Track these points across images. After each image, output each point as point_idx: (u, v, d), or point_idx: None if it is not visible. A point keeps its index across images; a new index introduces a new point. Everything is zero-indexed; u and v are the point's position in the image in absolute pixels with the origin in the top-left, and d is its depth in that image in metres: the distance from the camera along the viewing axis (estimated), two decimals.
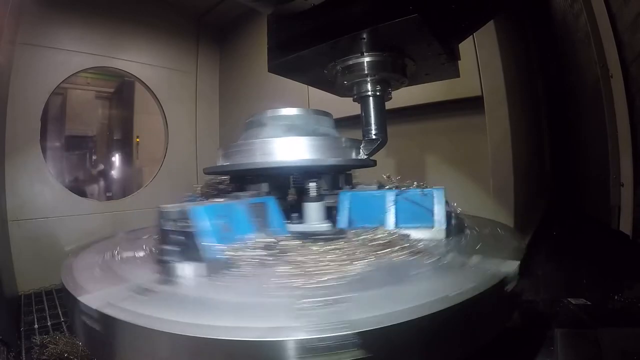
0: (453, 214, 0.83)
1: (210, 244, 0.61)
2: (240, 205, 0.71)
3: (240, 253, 0.63)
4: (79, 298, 0.55)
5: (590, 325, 1.05)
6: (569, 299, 1.19)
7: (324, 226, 0.82)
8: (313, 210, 0.83)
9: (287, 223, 0.82)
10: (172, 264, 0.61)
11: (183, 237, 0.61)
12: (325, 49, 0.92)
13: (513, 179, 1.69)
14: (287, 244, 0.69)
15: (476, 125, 1.79)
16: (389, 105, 1.02)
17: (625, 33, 1.41)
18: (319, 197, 0.85)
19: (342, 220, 0.82)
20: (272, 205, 0.78)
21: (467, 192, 1.79)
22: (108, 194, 3.21)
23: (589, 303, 1.18)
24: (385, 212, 0.79)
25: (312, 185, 0.84)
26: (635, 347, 0.93)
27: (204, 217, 0.63)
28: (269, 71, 1.06)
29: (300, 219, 0.85)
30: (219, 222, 0.64)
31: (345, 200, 0.83)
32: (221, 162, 0.92)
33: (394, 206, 0.79)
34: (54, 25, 2.45)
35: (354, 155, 0.92)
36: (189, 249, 0.61)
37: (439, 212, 0.77)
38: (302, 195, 0.88)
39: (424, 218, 0.78)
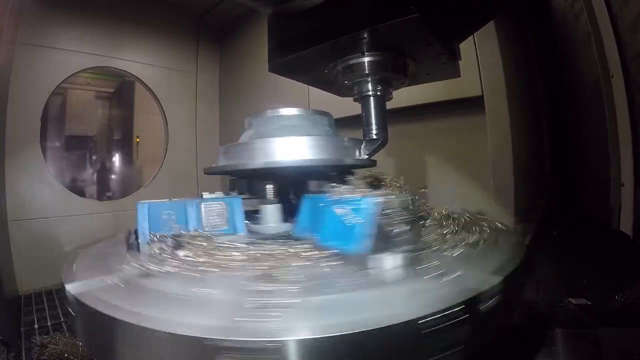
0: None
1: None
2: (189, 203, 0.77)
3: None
4: None
5: (590, 325, 1.05)
6: (569, 299, 1.19)
7: (282, 227, 0.83)
8: (270, 213, 0.85)
9: (249, 224, 0.83)
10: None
11: None
12: (325, 49, 0.92)
13: (513, 179, 1.69)
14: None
15: (476, 125, 1.79)
16: (389, 105, 1.02)
17: (625, 33, 1.41)
18: (276, 199, 0.85)
19: (300, 225, 0.80)
20: (235, 205, 0.80)
21: (467, 192, 1.79)
22: (108, 194, 3.21)
23: (589, 303, 1.18)
24: (320, 222, 0.70)
25: (268, 187, 0.84)
26: (635, 347, 0.93)
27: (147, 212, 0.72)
28: (269, 71, 1.06)
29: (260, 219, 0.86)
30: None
31: (303, 204, 0.81)
32: (220, 162, 0.92)
33: (325, 217, 0.68)
34: (54, 25, 2.45)
35: (354, 155, 0.92)
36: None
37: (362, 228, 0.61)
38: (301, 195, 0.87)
39: (346, 236, 0.63)
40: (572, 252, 1.62)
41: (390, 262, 0.61)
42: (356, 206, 0.62)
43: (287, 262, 0.63)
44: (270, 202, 0.84)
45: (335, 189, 0.77)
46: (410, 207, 0.66)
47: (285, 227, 0.83)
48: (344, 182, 0.96)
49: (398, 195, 0.65)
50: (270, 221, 0.84)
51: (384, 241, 0.61)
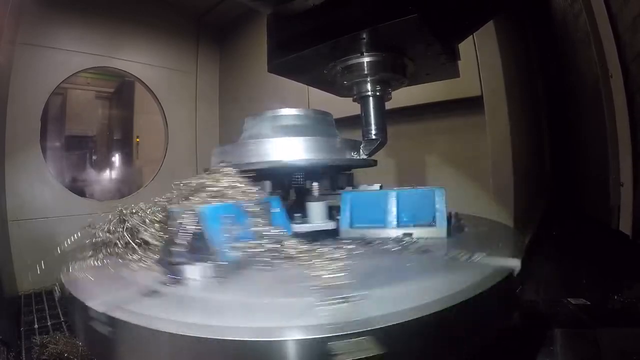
0: (452, 213, 0.84)
1: (220, 245, 0.61)
2: (247, 205, 0.71)
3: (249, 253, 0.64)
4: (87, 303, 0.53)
5: (590, 325, 1.05)
6: (569, 299, 1.19)
7: (329, 225, 0.83)
8: (316, 210, 0.84)
9: (291, 223, 0.81)
10: (181, 266, 0.60)
11: (193, 238, 0.60)
12: (325, 49, 0.92)
13: (513, 179, 1.69)
14: (294, 246, 0.68)
15: (476, 125, 1.79)
16: (389, 105, 1.02)
17: (625, 33, 1.42)
18: (322, 197, 0.85)
19: (345, 220, 0.82)
20: (276, 205, 0.78)
21: (467, 192, 1.79)
22: (108, 194, 3.21)
23: (588, 303, 1.18)
24: (386, 212, 0.79)
25: (314, 185, 0.85)
26: (635, 347, 0.93)
27: (213, 217, 0.62)
28: (268, 71, 1.06)
29: (303, 218, 0.85)
30: (227, 222, 0.64)
31: (347, 200, 0.83)
32: (217, 162, 0.91)
33: (395, 206, 0.79)
34: (54, 25, 2.45)
35: (354, 155, 0.92)
36: (200, 249, 0.60)
37: (440, 211, 0.77)
38: (302, 195, 0.87)
39: (426, 217, 0.78)
40: (571, 252, 1.62)
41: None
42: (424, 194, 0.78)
43: None
44: (315, 200, 0.84)
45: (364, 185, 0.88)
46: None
47: (331, 224, 0.83)
48: (348, 180, 0.98)
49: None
50: (317, 218, 0.84)
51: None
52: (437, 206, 0.78)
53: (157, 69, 2.96)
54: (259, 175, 0.89)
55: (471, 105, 1.79)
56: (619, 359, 0.93)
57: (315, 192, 0.85)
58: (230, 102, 3.21)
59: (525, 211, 1.81)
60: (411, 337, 0.44)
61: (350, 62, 0.95)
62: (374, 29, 0.83)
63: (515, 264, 0.60)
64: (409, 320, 0.43)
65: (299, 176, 0.90)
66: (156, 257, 0.67)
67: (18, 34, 2.26)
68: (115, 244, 0.75)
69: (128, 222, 0.75)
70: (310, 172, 0.89)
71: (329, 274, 0.56)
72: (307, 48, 0.92)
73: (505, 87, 1.70)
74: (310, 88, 1.25)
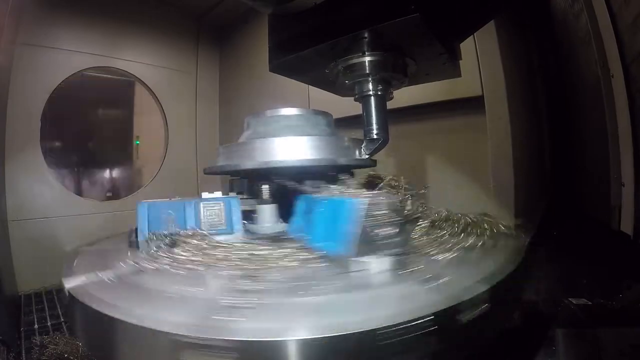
0: None
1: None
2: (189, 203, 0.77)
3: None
4: None
5: (590, 325, 1.05)
6: (570, 299, 1.19)
7: (277, 227, 0.84)
8: (265, 213, 0.86)
9: (246, 223, 0.84)
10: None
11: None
12: (325, 49, 0.92)
13: (513, 179, 1.69)
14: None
15: (476, 125, 1.79)
16: (389, 105, 1.02)
17: (625, 33, 1.41)
18: (271, 200, 0.86)
19: (294, 225, 0.79)
20: (233, 205, 0.79)
21: (467, 192, 1.79)
22: (108, 194, 3.21)
23: (589, 303, 1.18)
24: (311, 222, 0.72)
25: (264, 187, 0.85)
26: (635, 347, 0.93)
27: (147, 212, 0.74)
28: (270, 71, 1.06)
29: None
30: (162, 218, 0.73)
31: (298, 204, 0.80)
32: (220, 162, 0.92)
33: (314, 217, 0.71)
34: (54, 25, 2.45)
35: (353, 155, 0.92)
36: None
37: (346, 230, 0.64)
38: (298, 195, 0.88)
39: (331, 237, 0.64)
40: (572, 252, 1.61)
41: (374, 265, 0.60)
42: (341, 207, 0.62)
43: (274, 263, 0.64)
44: (266, 202, 0.86)
45: (327, 188, 0.79)
46: (400, 209, 0.65)
47: (280, 227, 0.84)
48: (343, 182, 0.96)
49: (386, 196, 0.63)
50: (266, 221, 0.86)
51: (368, 243, 0.59)
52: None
53: (157, 69, 2.96)
54: (256, 175, 0.89)
55: (472, 105, 1.79)
56: (619, 359, 0.93)
57: (266, 195, 0.85)
58: (230, 102, 3.21)
59: (526, 211, 1.81)
60: None
61: (351, 62, 0.95)
62: (375, 29, 0.83)
63: None
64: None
65: (299, 177, 0.90)
66: None
67: (18, 34, 2.26)
68: None
69: None
70: (310, 172, 0.89)
71: None
72: (308, 48, 0.92)
73: (506, 87, 1.70)
74: (311, 88, 1.25)
